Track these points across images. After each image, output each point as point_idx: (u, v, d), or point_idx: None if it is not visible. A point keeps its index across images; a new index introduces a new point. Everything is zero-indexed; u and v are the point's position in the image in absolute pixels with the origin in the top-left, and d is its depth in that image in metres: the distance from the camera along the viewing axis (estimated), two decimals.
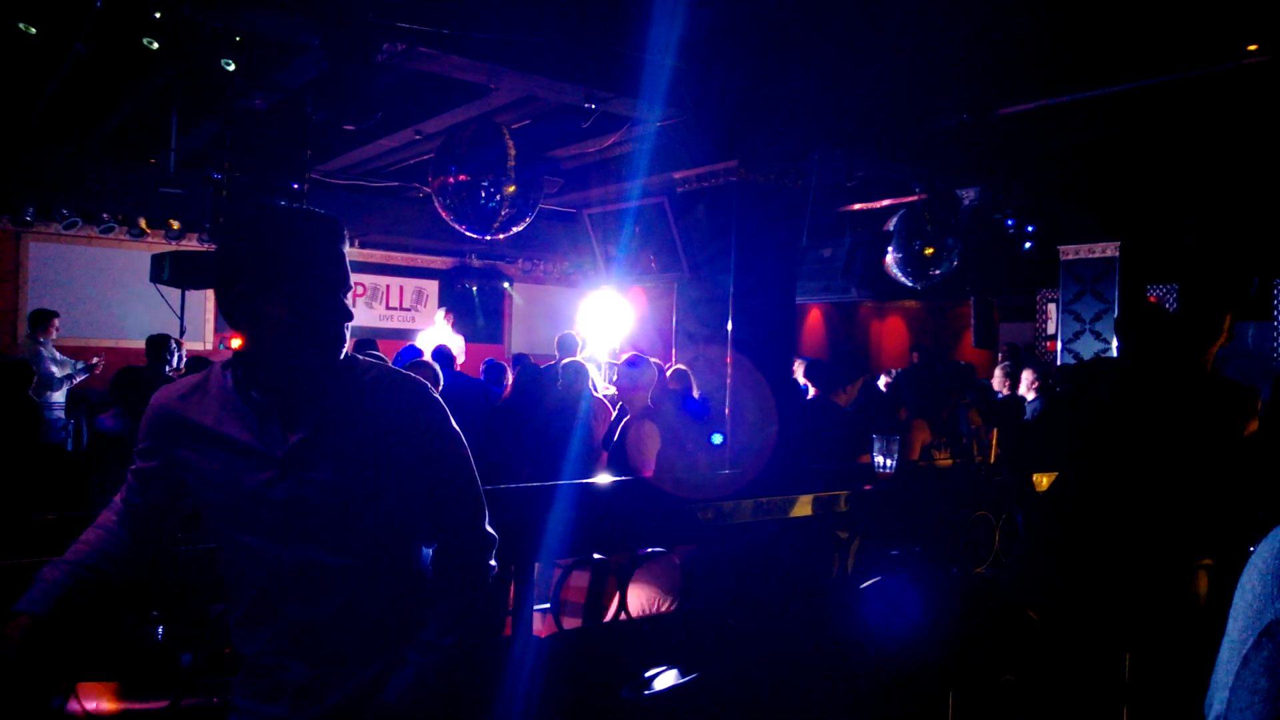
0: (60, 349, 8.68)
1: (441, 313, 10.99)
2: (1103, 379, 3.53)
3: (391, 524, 1.63)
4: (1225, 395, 3.20)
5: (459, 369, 8.09)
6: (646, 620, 2.81)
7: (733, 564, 3.07)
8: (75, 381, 8.52)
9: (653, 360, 5.21)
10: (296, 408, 1.58)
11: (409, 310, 13.26)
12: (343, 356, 1.61)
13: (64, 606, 1.52)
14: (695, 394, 5.74)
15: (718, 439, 5.18)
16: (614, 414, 5.78)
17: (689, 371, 5.96)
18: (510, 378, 8.38)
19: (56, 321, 8.53)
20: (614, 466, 4.83)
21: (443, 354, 7.37)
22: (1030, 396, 7.88)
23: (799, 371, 7.31)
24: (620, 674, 2.47)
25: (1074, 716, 3.27)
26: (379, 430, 1.59)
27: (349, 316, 1.60)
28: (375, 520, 1.60)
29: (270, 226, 1.55)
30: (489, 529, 1.70)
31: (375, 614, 1.62)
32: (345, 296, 1.60)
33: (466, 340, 10.95)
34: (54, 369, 8.27)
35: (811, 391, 6.62)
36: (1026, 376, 8.09)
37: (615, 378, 6.07)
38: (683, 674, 2.32)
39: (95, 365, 8.55)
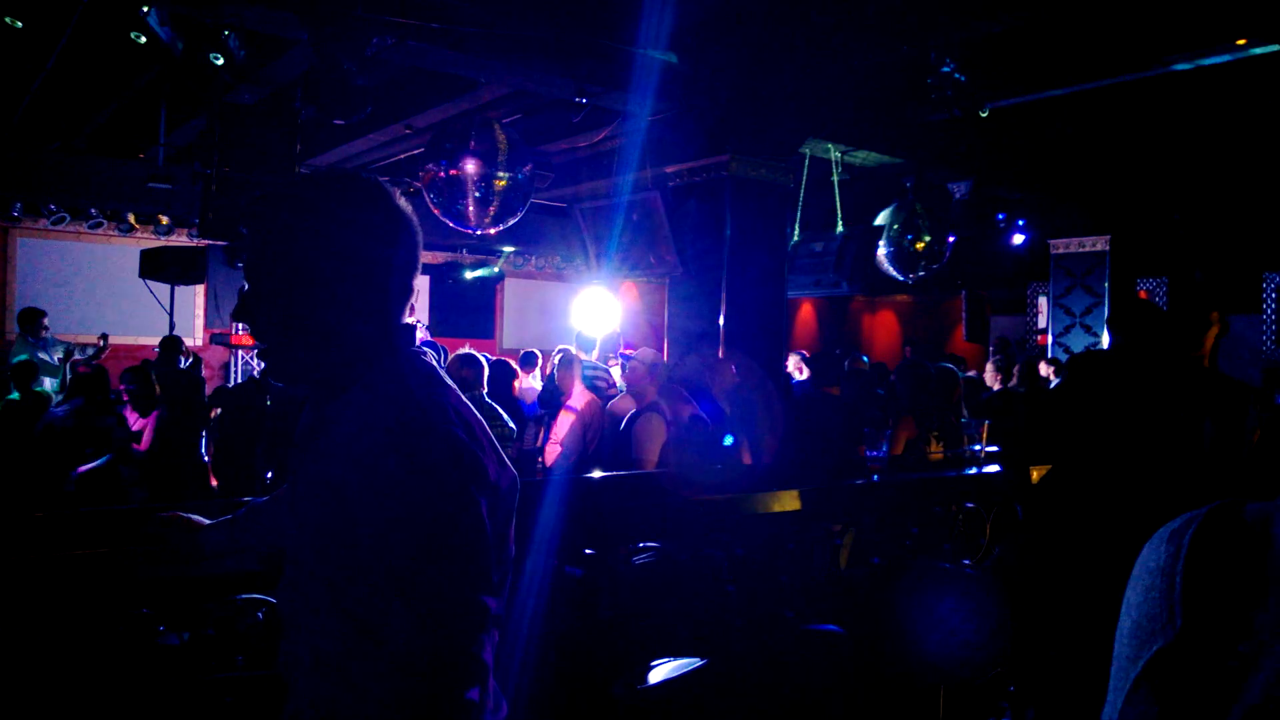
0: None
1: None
2: (1095, 373, 3.54)
3: (334, 588, 1.25)
4: (1216, 390, 3.21)
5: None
6: (642, 616, 2.81)
7: (723, 558, 3.07)
8: (81, 370, 8.47)
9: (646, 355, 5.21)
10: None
11: None
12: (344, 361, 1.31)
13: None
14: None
15: (729, 440, 5.17)
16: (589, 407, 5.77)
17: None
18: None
19: (45, 319, 8.50)
20: (620, 460, 4.84)
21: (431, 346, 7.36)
22: (1053, 381, 8.09)
23: (791, 364, 7.32)
24: (613, 669, 2.47)
25: (1064, 709, 3.29)
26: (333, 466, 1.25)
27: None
28: (312, 574, 1.28)
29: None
30: (441, 646, 1.17)
31: (315, 696, 1.29)
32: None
33: (456, 336, 10.91)
34: (44, 357, 8.22)
35: (812, 385, 6.62)
36: (1044, 368, 8.31)
37: (624, 372, 6.10)
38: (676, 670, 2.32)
39: (103, 350, 8.52)
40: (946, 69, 5.54)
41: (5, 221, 10.01)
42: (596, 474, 3.82)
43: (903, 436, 4.80)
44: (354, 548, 1.19)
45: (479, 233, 5.91)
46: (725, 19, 5.63)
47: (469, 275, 12.52)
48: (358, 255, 1.27)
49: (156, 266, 9.28)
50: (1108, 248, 9.69)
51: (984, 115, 6.17)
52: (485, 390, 5.12)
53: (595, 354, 7.67)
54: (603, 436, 5.70)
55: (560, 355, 6.32)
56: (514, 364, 6.74)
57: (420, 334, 10.00)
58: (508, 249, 12.79)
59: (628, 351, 9.25)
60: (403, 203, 1.33)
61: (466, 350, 5.56)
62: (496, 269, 12.66)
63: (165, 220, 10.05)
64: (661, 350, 6.85)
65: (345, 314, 1.27)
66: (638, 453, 4.68)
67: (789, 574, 3.17)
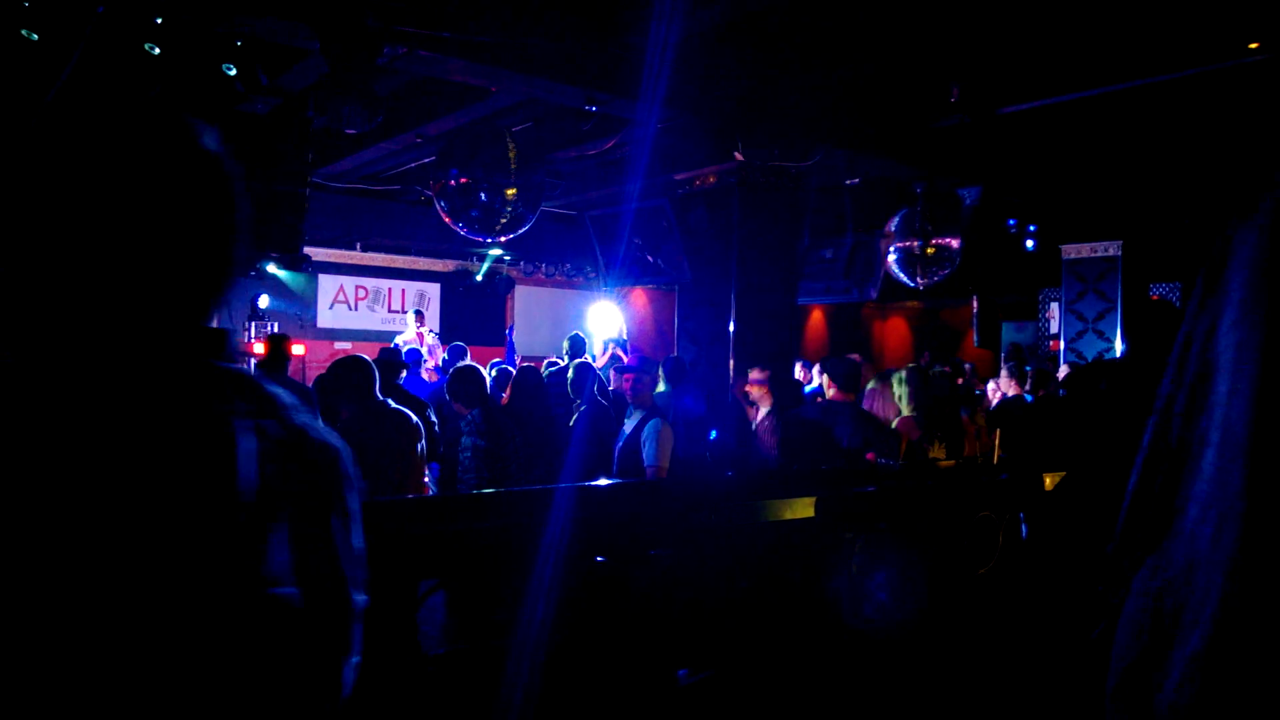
0: None
1: (412, 315, 10.81)
2: (1109, 379, 3.52)
3: None
4: None
5: (427, 372, 8.05)
6: (649, 624, 2.80)
7: (736, 566, 3.06)
8: None
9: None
10: None
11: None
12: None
13: None
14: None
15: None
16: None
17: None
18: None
19: None
20: (624, 467, 4.81)
21: (413, 356, 7.42)
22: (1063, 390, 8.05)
23: (812, 370, 7.29)
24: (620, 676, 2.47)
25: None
26: None
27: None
28: None
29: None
30: None
31: None
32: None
33: (467, 343, 10.92)
34: None
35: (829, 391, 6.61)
36: (1064, 372, 8.26)
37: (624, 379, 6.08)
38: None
39: None
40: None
41: None
42: (604, 482, 3.82)
43: (903, 440, 4.79)
44: None
45: (489, 241, 5.92)
46: (733, 27, 5.63)
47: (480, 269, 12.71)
48: (117, 218, 0.89)
49: None
50: (1119, 253, 9.64)
51: (993, 120, 6.16)
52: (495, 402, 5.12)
53: (600, 360, 7.69)
54: (609, 442, 5.71)
55: (576, 367, 6.33)
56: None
57: (429, 340, 10.01)
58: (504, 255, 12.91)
59: (627, 359, 9.27)
60: (203, 138, 0.97)
61: (466, 363, 5.56)
62: (504, 271, 12.75)
63: None
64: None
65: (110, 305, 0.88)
66: (650, 459, 4.67)
67: (801, 581, 3.16)
